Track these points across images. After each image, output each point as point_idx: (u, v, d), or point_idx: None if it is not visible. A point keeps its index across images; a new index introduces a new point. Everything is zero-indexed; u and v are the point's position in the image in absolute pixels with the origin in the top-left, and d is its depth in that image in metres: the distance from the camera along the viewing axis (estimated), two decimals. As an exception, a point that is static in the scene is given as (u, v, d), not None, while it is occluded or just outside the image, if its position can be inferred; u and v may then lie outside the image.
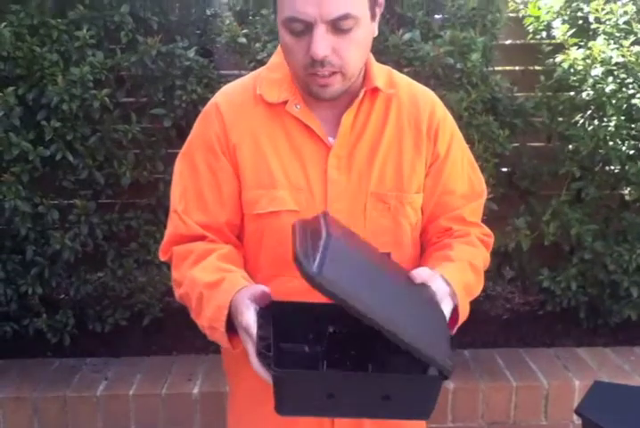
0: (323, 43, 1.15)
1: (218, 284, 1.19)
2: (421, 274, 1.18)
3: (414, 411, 1.04)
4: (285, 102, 1.30)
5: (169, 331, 3.09)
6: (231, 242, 1.36)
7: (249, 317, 1.08)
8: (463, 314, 1.26)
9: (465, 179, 1.43)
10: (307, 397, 1.01)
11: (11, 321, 2.87)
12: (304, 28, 1.16)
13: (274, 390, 1.01)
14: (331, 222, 1.11)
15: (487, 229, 1.48)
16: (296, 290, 1.16)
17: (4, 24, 2.55)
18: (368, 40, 1.25)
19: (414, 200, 1.36)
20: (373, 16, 1.22)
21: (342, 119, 1.30)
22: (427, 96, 1.41)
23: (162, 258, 1.40)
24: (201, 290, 1.21)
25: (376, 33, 1.27)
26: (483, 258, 1.41)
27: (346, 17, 1.14)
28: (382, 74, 1.36)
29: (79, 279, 2.90)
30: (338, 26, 1.15)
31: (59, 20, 2.63)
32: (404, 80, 1.41)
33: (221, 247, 1.31)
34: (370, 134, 1.33)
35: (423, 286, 1.17)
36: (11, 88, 2.55)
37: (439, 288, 1.20)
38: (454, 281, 1.23)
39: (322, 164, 1.31)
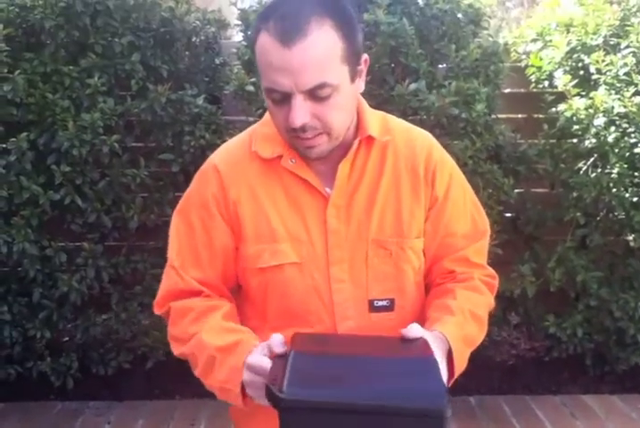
0: (300, 112, 1.15)
1: (233, 349, 1.20)
2: (413, 331, 1.17)
3: None
4: (280, 157, 1.31)
5: (173, 374, 3.05)
6: (225, 296, 1.37)
7: (260, 361, 1.10)
8: (460, 366, 1.26)
9: (468, 219, 1.42)
10: None
11: (15, 363, 2.87)
12: (282, 98, 1.17)
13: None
14: (296, 339, 1.14)
15: (491, 270, 1.45)
16: None
17: (17, 71, 2.61)
18: (351, 101, 1.25)
19: (415, 244, 1.35)
20: (355, 76, 1.22)
21: (338, 169, 1.30)
22: (424, 140, 1.40)
23: (158, 311, 1.39)
24: (214, 353, 1.21)
25: (362, 89, 1.27)
26: (486, 304, 1.39)
27: (322, 86, 1.14)
28: (376, 121, 1.36)
29: (86, 322, 2.91)
30: (316, 94, 1.15)
31: (71, 68, 2.69)
32: (400, 125, 1.41)
33: (221, 304, 1.32)
34: (367, 182, 1.33)
35: (410, 342, 1.15)
36: (24, 134, 2.60)
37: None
38: (452, 337, 1.23)
39: (321, 215, 1.31)
